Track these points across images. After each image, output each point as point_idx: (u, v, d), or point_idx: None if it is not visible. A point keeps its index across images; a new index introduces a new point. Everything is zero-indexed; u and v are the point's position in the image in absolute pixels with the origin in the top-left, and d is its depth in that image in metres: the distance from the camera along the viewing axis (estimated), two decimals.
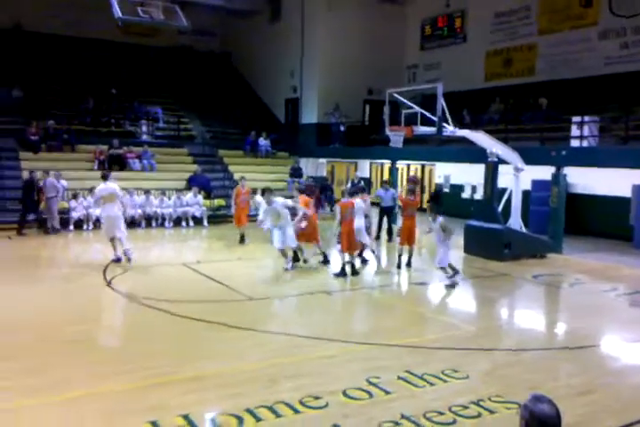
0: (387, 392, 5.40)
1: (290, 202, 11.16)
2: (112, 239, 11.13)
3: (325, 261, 11.64)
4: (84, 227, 15.41)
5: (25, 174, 15.47)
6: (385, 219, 15.26)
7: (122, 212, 11.20)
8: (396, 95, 13.03)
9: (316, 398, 5.23)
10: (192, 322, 7.58)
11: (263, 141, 22.18)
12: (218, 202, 18.60)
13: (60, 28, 22.47)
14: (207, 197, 18.34)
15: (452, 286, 10.01)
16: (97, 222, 15.23)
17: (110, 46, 23.22)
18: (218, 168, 20.73)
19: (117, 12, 13.56)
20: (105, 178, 11.21)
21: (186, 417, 4.83)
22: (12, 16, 22.07)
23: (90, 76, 21.93)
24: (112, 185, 11.20)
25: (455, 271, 10.19)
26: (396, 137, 12.76)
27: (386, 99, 13.44)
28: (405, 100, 12.77)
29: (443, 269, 10.19)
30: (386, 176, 21.10)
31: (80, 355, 6.37)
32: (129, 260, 10.96)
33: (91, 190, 14.98)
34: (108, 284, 9.56)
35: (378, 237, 14.98)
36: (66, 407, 5.02)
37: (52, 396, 5.23)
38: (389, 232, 15.40)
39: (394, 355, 6.52)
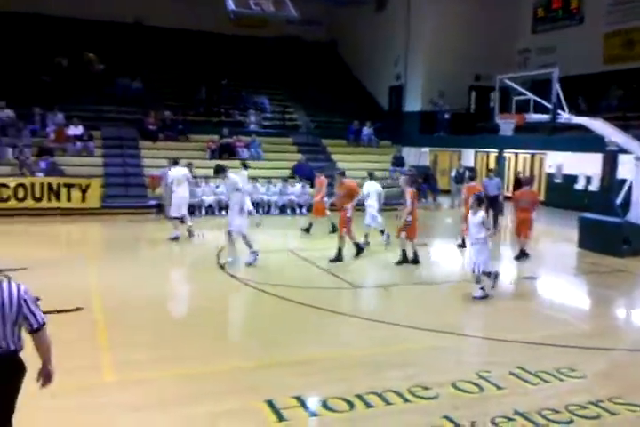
0: (498, 387, 5.31)
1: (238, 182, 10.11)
2: (175, 218, 12.38)
3: (358, 252, 10.95)
4: (197, 213, 16.14)
5: (145, 162, 16.49)
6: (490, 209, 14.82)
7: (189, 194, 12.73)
8: (506, 81, 12.59)
9: (425, 388, 5.24)
10: (299, 306, 7.80)
11: (366, 130, 22.18)
12: None
13: (176, 22, 23.55)
14: (310, 185, 18.66)
15: (484, 297, 8.25)
16: (209, 209, 16.11)
17: (221, 38, 24.10)
18: (321, 157, 20.99)
19: (230, 4, 14.03)
20: (175, 163, 12.76)
21: (299, 398, 5.03)
22: (134, 12, 23.44)
23: (202, 68, 22.87)
24: (182, 170, 12.56)
25: (494, 279, 8.45)
26: (507, 125, 12.36)
27: (495, 85, 13.05)
28: (517, 86, 12.31)
29: (479, 275, 8.29)
30: (492, 165, 20.47)
31: (196, 334, 6.76)
32: (191, 235, 12.32)
33: (205, 178, 16.03)
34: (222, 267, 10.04)
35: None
36: (185, 382, 5.35)
37: (172, 370, 5.60)
38: (495, 222, 14.94)
39: (504, 350, 6.38)
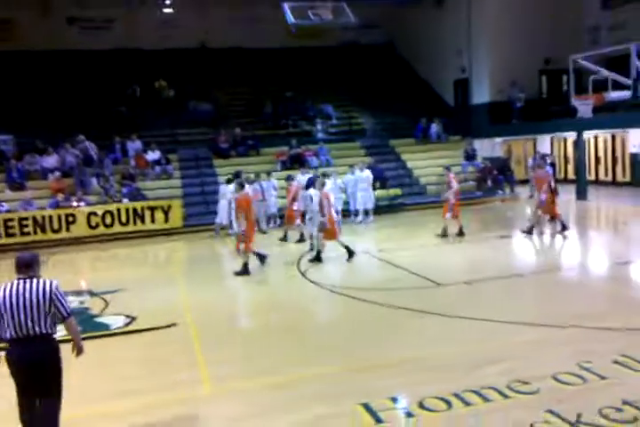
0: (602, 377, 5.08)
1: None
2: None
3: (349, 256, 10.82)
4: (271, 224, 16.33)
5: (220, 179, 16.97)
6: None
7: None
8: (580, 61, 12.09)
9: (525, 383, 5.07)
10: (385, 308, 7.75)
11: (435, 127, 21.82)
12: (393, 191, 18.73)
13: (236, 41, 24.15)
14: (382, 187, 18.55)
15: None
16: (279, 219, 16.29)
17: (281, 52, 24.46)
18: (390, 158, 20.86)
19: (290, 18, 14.23)
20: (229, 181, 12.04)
21: (394, 399, 4.99)
22: (197, 36, 24.27)
23: (266, 83, 23.33)
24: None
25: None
26: (584, 106, 11.84)
27: (569, 67, 12.53)
28: (592, 66, 11.78)
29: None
30: (570, 150, 19.65)
31: (285, 342, 6.88)
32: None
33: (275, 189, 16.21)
34: (303, 275, 10.14)
35: None
36: (280, 390, 5.42)
37: (266, 379, 5.68)
38: None
39: (604, 338, 6.08)
